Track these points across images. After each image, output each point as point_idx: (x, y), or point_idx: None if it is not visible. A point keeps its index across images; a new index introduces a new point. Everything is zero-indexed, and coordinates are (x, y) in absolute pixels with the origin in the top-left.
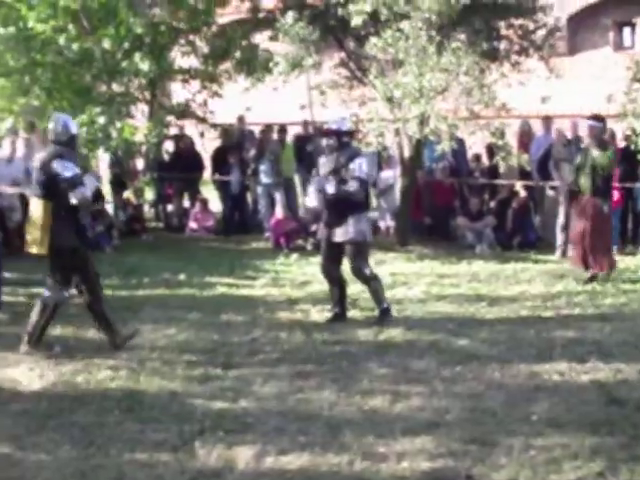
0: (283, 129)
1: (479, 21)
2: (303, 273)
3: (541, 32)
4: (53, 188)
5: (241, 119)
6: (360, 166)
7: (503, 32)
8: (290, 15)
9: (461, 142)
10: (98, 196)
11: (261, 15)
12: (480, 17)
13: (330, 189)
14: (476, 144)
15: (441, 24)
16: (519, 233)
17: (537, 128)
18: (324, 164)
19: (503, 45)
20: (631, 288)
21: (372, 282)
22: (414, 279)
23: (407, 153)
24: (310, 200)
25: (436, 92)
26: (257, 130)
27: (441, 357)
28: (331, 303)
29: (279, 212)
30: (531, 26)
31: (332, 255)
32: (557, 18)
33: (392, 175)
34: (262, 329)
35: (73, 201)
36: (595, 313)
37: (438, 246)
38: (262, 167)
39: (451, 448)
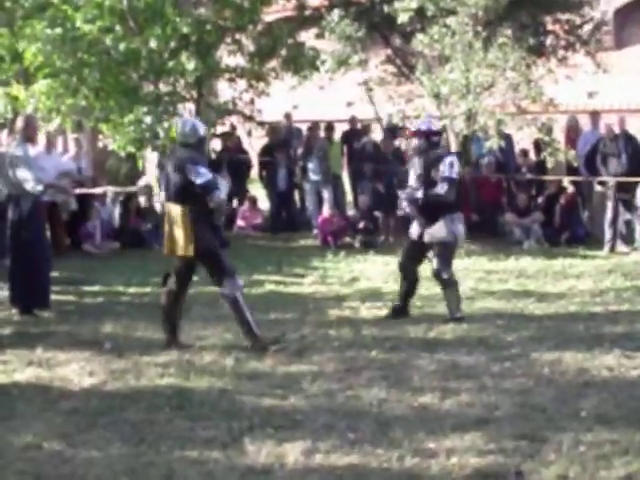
0: (330, 126)
1: (525, 16)
2: (351, 270)
3: (587, 26)
4: (189, 192)
5: (288, 117)
6: (450, 165)
7: (549, 27)
8: (336, 12)
9: (508, 138)
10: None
11: (307, 13)
12: (526, 12)
13: (419, 195)
14: (523, 140)
15: (487, 19)
16: (567, 229)
17: (584, 123)
18: (413, 165)
19: (549, 40)
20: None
21: (448, 288)
22: (462, 275)
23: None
24: (403, 207)
25: (483, 88)
26: (304, 128)
27: (490, 353)
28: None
29: (326, 210)
30: (577, 20)
31: (414, 254)
32: (604, 12)
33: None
34: (311, 326)
35: (211, 205)
36: None
37: (486, 242)
38: (310, 165)
39: (500, 444)
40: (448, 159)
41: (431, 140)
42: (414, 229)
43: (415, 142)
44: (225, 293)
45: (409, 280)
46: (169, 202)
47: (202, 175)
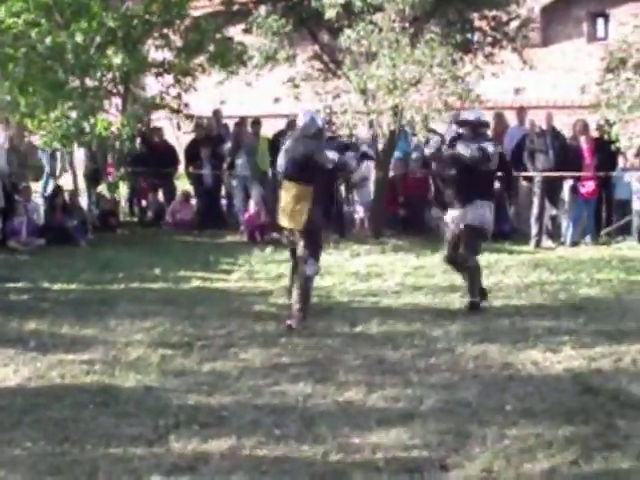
0: (257, 122)
1: (452, 13)
2: (278, 266)
3: (514, 23)
4: (311, 175)
5: (216, 113)
6: (477, 148)
7: (476, 24)
8: (263, 8)
9: (435, 133)
10: None
11: (235, 8)
12: (453, 9)
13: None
14: None
15: (414, 16)
16: (493, 224)
17: (511, 119)
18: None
19: (476, 37)
20: (605, 277)
21: (470, 273)
22: (389, 271)
23: (381, 145)
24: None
25: (410, 84)
26: (231, 123)
27: (416, 348)
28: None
29: (253, 206)
30: (504, 17)
31: (456, 244)
32: (530, 9)
33: (366, 167)
34: (237, 322)
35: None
36: (569, 303)
37: (413, 238)
38: (239, 161)
39: (425, 439)
40: (486, 144)
41: (477, 130)
42: (449, 215)
43: (462, 131)
44: (307, 272)
45: (466, 267)
46: (291, 182)
47: (331, 160)
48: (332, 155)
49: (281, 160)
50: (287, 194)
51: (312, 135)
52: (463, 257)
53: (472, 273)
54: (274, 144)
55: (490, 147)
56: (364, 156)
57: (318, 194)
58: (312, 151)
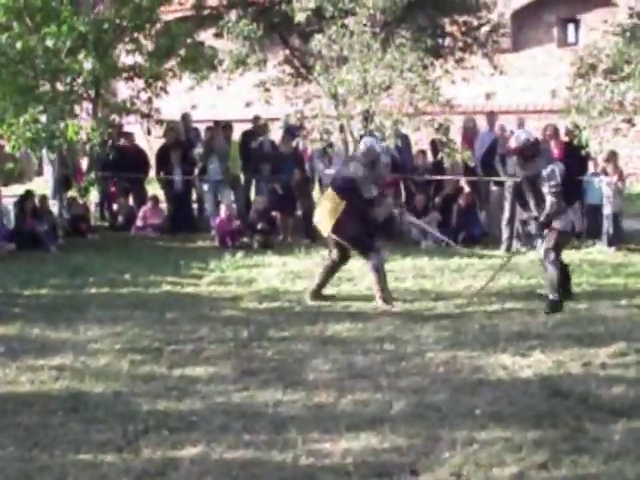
0: (228, 126)
1: (423, 18)
2: (248, 271)
3: (485, 29)
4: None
5: (185, 117)
6: (549, 177)
7: (447, 29)
8: (234, 12)
9: (405, 138)
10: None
11: (205, 12)
12: (424, 14)
13: (534, 223)
14: (421, 140)
15: (385, 21)
16: (464, 229)
17: (483, 124)
18: (520, 183)
19: (447, 42)
20: (575, 281)
21: (550, 271)
22: (359, 275)
23: (352, 149)
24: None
25: (380, 88)
26: (202, 128)
27: (386, 353)
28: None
29: (224, 210)
30: (475, 23)
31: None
32: (501, 15)
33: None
34: (207, 327)
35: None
36: (539, 307)
37: (383, 242)
38: (211, 165)
39: (395, 443)
40: (546, 171)
41: (526, 155)
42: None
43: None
44: (373, 262)
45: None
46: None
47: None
48: (374, 191)
49: (333, 170)
50: (326, 201)
51: (365, 163)
52: (544, 254)
53: (552, 270)
54: (243, 145)
55: (555, 173)
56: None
57: (352, 209)
58: (357, 178)
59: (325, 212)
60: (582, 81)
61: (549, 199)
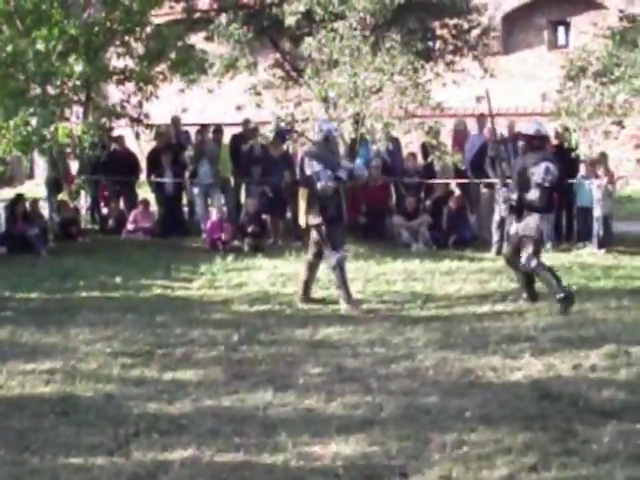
0: (219, 130)
1: (413, 21)
2: (239, 274)
3: (475, 32)
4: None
5: (175, 120)
6: (545, 172)
7: (438, 32)
8: (224, 16)
9: (396, 141)
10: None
11: (196, 16)
12: (415, 17)
13: (513, 197)
14: (412, 143)
15: (376, 24)
16: (455, 231)
17: (474, 127)
18: (514, 166)
19: (438, 45)
20: (565, 284)
21: (541, 274)
22: (350, 277)
23: (342, 152)
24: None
25: (371, 91)
26: (193, 131)
27: (376, 355)
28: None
29: (215, 213)
30: (465, 26)
31: (515, 248)
32: (491, 17)
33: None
34: (198, 330)
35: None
36: (529, 310)
37: (374, 245)
38: (201, 168)
39: (385, 446)
40: (543, 165)
41: (532, 143)
42: (513, 225)
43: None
44: (332, 262)
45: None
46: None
47: (312, 167)
48: (315, 165)
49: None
50: (299, 198)
51: (317, 141)
52: (524, 265)
53: (542, 272)
54: (233, 148)
55: (550, 172)
56: (336, 177)
57: (316, 196)
58: (306, 154)
59: (300, 207)
60: (572, 84)
61: (537, 192)
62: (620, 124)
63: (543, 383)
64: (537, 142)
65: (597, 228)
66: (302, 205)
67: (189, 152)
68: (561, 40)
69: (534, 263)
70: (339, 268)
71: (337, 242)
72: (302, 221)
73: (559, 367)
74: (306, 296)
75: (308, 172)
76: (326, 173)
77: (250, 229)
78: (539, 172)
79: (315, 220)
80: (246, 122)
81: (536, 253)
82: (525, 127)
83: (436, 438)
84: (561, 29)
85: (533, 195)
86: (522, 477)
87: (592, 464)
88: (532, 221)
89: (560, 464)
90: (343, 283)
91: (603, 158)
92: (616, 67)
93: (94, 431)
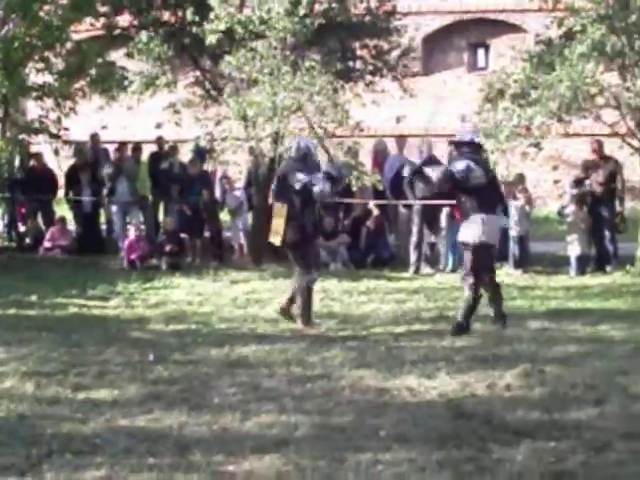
0: (138, 147)
1: (334, 41)
2: (156, 293)
3: (395, 53)
4: (288, 195)
5: (94, 137)
6: (465, 167)
7: (358, 52)
8: (145, 33)
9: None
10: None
11: (116, 32)
12: (335, 37)
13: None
14: None
15: (296, 43)
16: (373, 251)
17: (393, 147)
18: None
19: (357, 65)
20: (482, 303)
21: (466, 294)
22: (267, 297)
23: (261, 172)
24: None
25: (290, 111)
26: (112, 149)
27: (292, 375)
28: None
29: (133, 232)
30: (385, 46)
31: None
32: (412, 39)
33: (242, 193)
34: (113, 350)
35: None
36: (446, 329)
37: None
38: (119, 186)
39: (300, 465)
40: (466, 162)
41: (460, 149)
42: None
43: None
44: (300, 282)
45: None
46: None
47: (300, 180)
48: (302, 176)
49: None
50: (274, 215)
51: (296, 158)
52: (461, 278)
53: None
54: (151, 167)
55: (458, 165)
56: (328, 177)
57: (296, 213)
58: (287, 172)
59: (275, 225)
60: (490, 105)
61: (440, 171)
62: (537, 146)
63: (458, 402)
64: (467, 148)
65: (513, 248)
66: (278, 222)
67: (107, 170)
68: (480, 62)
69: (469, 280)
70: (307, 290)
71: (311, 263)
72: (277, 240)
73: (474, 386)
74: (287, 309)
75: (297, 186)
76: (317, 177)
77: (168, 248)
78: (459, 167)
79: (293, 238)
80: (159, 139)
81: (474, 269)
82: (461, 135)
83: (351, 457)
84: (481, 51)
85: (436, 173)
86: None
87: None
88: (466, 226)
89: None
90: (307, 304)
91: (521, 179)
92: (533, 89)
93: (6, 451)
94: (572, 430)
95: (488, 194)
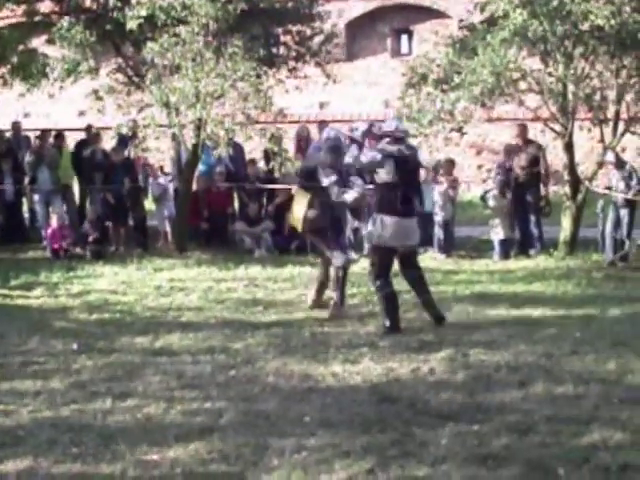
0: (60, 135)
1: (257, 27)
2: (80, 282)
3: (318, 38)
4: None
5: (15, 125)
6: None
7: (281, 38)
8: (66, 19)
9: (239, 147)
10: None
11: (37, 19)
12: (258, 23)
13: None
14: (256, 149)
15: (218, 29)
16: (297, 237)
17: (316, 133)
18: None
19: (281, 51)
20: (406, 289)
21: (378, 298)
22: (192, 285)
23: (184, 158)
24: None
25: (213, 97)
26: (33, 137)
27: (216, 362)
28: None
29: (55, 220)
30: (308, 32)
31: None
32: (334, 25)
33: (165, 180)
34: (36, 340)
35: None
36: (370, 314)
37: (217, 251)
38: (40, 175)
39: (224, 452)
40: (371, 152)
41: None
42: None
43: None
44: (336, 264)
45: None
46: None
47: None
48: (332, 176)
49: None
50: (295, 199)
51: (326, 149)
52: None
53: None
54: (76, 156)
55: (364, 157)
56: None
57: (318, 201)
58: (316, 165)
59: (295, 210)
60: (413, 91)
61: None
62: (460, 131)
63: (382, 387)
64: (385, 138)
65: (438, 233)
66: (299, 209)
67: (28, 158)
68: (404, 48)
69: (377, 283)
70: (343, 270)
71: (342, 244)
72: (299, 225)
73: (398, 371)
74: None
75: (325, 182)
76: (357, 183)
77: (92, 236)
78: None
79: (317, 224)
80: (89, 128)
81: (378, 271)
82: (386, 124)
83: (275, 443)
84: (404, 37)
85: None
86: None
87: (430, 466)
88: (368, 225)
89: (398, 466)
90: (342, 286)
91: (449, 164)
92: (456, 74)
93: None
94: (496, 413)
95: (393, 194)
